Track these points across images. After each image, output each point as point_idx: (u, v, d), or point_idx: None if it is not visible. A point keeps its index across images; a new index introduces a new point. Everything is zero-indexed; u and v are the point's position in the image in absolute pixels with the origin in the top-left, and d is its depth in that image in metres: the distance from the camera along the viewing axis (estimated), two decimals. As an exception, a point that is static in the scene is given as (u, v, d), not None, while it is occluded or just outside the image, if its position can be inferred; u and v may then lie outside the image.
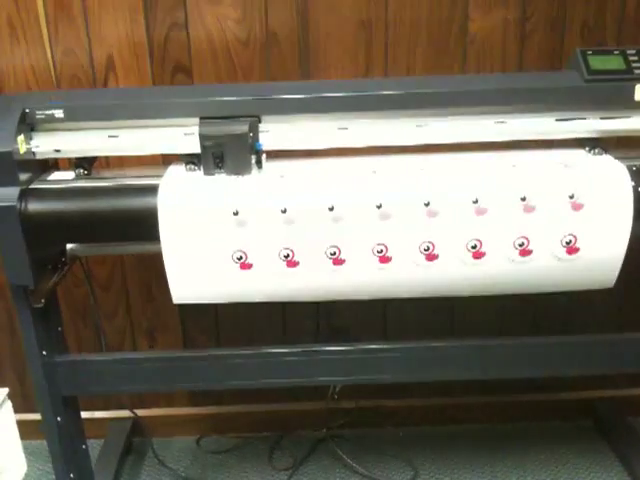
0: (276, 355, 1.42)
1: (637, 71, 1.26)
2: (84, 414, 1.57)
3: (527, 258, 1.24)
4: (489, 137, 1.31)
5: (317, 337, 1.82)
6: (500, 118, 1.28)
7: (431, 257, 1.23)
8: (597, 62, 1.28)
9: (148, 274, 1.74)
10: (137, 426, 1.88)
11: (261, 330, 1.82)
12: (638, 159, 1.28)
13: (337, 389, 1.85)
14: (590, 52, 1.29)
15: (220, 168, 1.25)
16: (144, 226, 1.23)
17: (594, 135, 1.31)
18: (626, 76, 1.26)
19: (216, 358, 1.43)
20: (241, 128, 1.24)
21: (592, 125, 1.29)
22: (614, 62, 1.28)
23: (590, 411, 1.91)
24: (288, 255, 1.23)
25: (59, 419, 1.42)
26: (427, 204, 1.20)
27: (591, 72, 1.26)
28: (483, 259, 1.23)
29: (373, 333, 1.82)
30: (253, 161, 1.26)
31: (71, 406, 1.47)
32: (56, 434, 1.43)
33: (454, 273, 1.25)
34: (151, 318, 1.80)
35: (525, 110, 1.28)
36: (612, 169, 1.25)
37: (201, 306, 1.77)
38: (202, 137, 1.24)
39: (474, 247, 1.23)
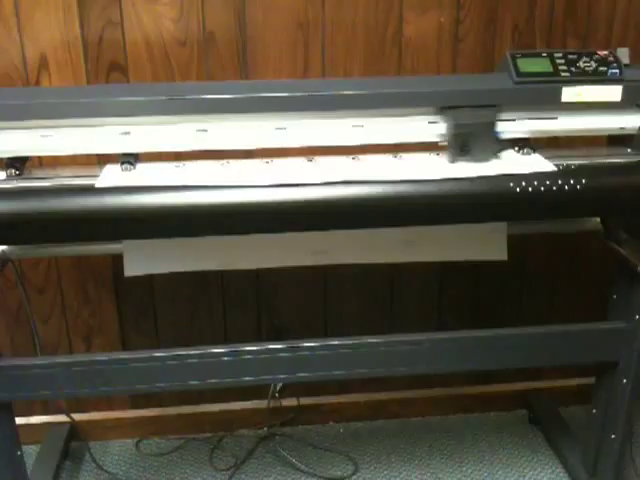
0: (216, 355, 1.42)
1: (564, 74, 1.31)
2: (19, 420, 1.54)
3: None
4: (422, 137, 1.33)
5: (258, 337, 1.83)
6: (433, 118, 1.31)
7: None
8: (526, 65, 1.31)
9: (84, 276, 1.71)
10: (75, 430, 1.85)
11: (201, 331, 1.81)
12: (566, 158, 1.33)
13: (278, 387, 1.86)
14: (519, 55, 1.33)
15: (465, 155, 1.29)
16: (79, 227, 1.21)
17: (523, 135, 1.35)
18: (553, 78, 1.31)
19: (155, 359, 1.42)
20: (489, 115, 1.28)
21: (521, 126, 1.34)
22: (542, 65, 1.32)
23: (524, 402, 1.97)
24: None
25: (-8, 425, 1.39)
26: None
27: (520, 74, 1.30)
28: None
29: (314, 331, 1.84)
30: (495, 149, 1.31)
31: (5, 412, 1.44)
32: (-11, 441, 1.40)
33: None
34: (87, 320, 1.77)
35: (458, 111, 1.32)
36: (541, 168, 1.29)
37: (140, 307, 1.76)
38: (455, 126, 1.28)
39: None
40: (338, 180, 1.23)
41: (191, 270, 1.51)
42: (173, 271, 1.49)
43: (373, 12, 1.56)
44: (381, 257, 1.54)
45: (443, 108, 1.29)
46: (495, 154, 1.32)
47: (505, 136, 1.33)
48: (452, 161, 1.31)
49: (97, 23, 1.51)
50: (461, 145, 1.29)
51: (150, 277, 1.73)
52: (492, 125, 1.30)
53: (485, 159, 1.31)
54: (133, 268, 1.46)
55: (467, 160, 1.30)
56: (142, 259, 1.45)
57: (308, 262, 1.50)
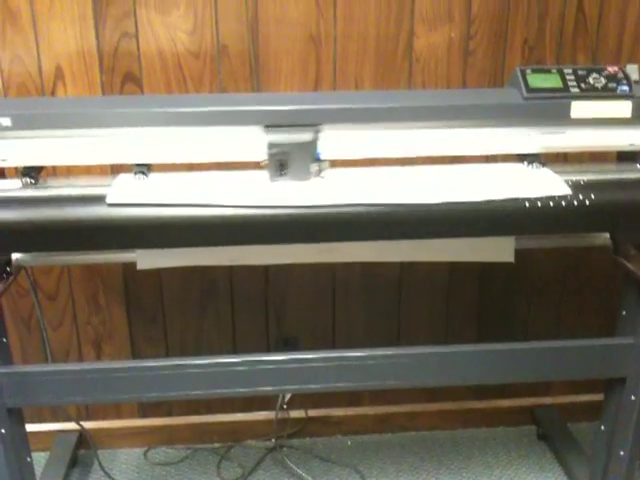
0: (225, 365, 1.43)
1: (573, 89, 1.31)
2: (29, 426, 1.54)
3: None
4: (433, 151, 1.34)
5: (266, 346, 1.83)
6: (443, 133, 1.32)
7: None
8: (536, 80, 1.32)
9: (94, 284, 1.73)
10: (84, 438, 1.85)
11: (210, 339, 1.82)
12: (575, 173, 1.33)
13: (286, 399, 1.87)
14: (529, 71, 1.33)
15: (284, 175, 1.28)
16: (91, 236, 1.23)
17: (533, 150, 1.36)
18: (563, 94, 1.31)
19: (164, 368, 1.42)
20: (306, 136, 1.27)
21: (531, 141, 1.34)
22: (552, 80, 1.33)
23: (533, 418, 1.96)
24: None
25: (3, 431, 1.39)
26: None
27: (530, 90, 1.31)
28: None
29: (322, 340, 1.84)
30: (315, 169, 1.29)
31: (16, 418, 1.44)
32: (0, 446, 1.40)
33: None
34: (98, 328, 1.79)
35: (467, 126, 1.32)
36: (550, 182, 1.29)
37: (149, 315, 1.77)
38: (270, 145, 1.27)
39: None
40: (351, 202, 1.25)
41: (202, 265, 1.56)
42: (185, 265, 1.53)
43: (384, 26, 1.58)
44: (388, 256, 1.55)
45: (267, 127, 1.27)
46: (316, 174, 1.30)
47: (325, 157, 1.31)
48: (272, 180, 1.29)
49: (112, 35, 1.53)
50: (278, 164, 1.28)
51: (160, 285, 1.74)
52: (311, 145, 1.28)
53: (304, 179, 1.29)
54: (145, 262, 1.48)
55: (286, 179, 1.29)
56: (154, 253, 1.47)
57: (315, 259, 1.52)
